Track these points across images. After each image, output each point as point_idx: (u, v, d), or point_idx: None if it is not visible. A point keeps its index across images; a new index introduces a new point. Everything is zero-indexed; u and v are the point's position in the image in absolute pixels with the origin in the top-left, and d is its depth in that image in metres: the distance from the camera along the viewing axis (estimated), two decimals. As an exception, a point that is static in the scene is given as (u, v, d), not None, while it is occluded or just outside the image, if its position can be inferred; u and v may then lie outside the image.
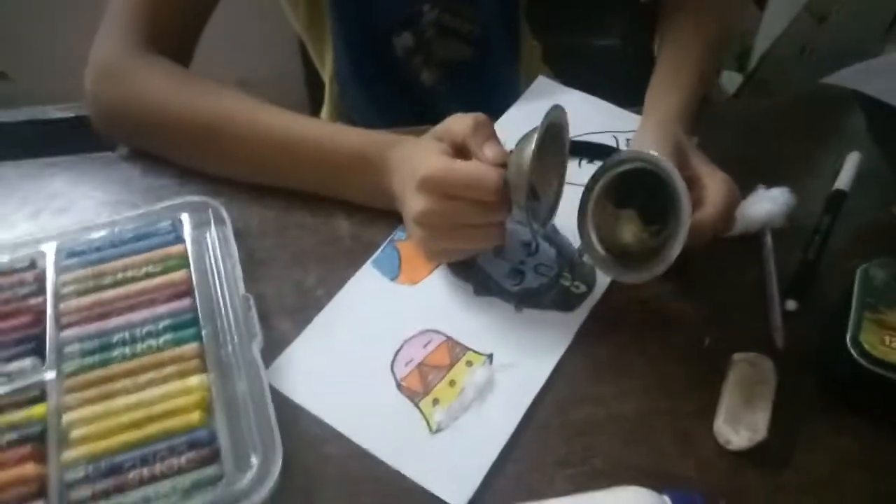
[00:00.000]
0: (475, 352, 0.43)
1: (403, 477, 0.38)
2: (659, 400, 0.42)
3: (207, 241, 0.46)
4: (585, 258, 0.47)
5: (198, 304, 0.43)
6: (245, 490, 0.35)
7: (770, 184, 0.51)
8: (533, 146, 0.39)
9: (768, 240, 0.49)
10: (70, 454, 0.37)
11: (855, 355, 0.38)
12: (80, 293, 0.43)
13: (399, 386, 0.42)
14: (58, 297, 0.43)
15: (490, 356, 0.43)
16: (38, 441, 0.37)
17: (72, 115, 1.12)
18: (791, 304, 0.45)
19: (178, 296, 0.43)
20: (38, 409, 0.38)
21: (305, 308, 0.45)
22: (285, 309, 0.45)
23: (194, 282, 0.44)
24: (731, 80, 1.14)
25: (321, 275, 0.47)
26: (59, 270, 0.44)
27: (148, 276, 0.44)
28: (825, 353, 0.42)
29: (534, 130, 0.40)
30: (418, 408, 0.41)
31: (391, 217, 0.49)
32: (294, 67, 1.18)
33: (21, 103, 1.30)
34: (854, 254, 0.46)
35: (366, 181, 0.48)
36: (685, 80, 0.53)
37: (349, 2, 0.62)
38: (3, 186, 0.52)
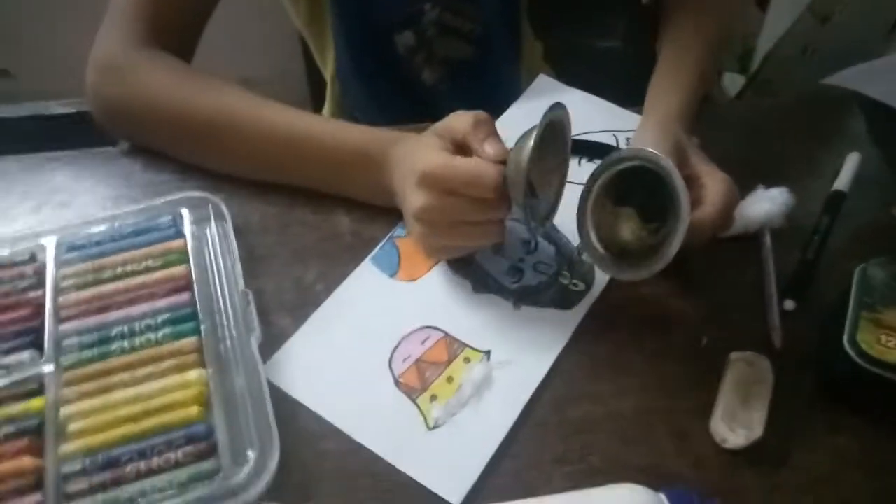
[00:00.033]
0: (473, 349, 0.43)
1: (400, 473, 0.38)
2: (656, 398, 0.42)
3: (207, 236, 0.47)
4: (584, 256, 0.47)
5: (197, 299, 0.43)
6: (241, 484, 0.35)
7: (769, 184, 0.51)
8: (532, 143, 0.39)
9: (767, 240, 0.49)
10: (67, 447, 0.37)
11: (852, 354, 0.38)
12: (79, 287, 0.43)
13: (397, 382, 0.42)
14: (57, 291, 0.43)
15: (488, 353, 0.43)
16: (35, 434, 0.37)
17: (73, 110, 1.12)
18: (789, 304, 0.45)
19: (178, 290, 0.43)
20: (35, 403, 0.38)
21: (304, 304, 0.45)
22: (284, 305, 0.45)
23: (194, 277, 0.44)
24: (733, 82, 1.14)
25: (321, 271, 0.47)
26: (59, 264, 0.44)
27: (147, 270, 0.44)
28: (822, 353, 0.42)
29: (534, 128, 0.40)
30: (416, 404, 0.41)
31: (391, 214, 0.49)
32: (296, 66, 1.19)
33: (23, 100, 1.30)
34: (853, 254, 0.46)
35: (367, 178, 0.48)
36: (685, 79, 0.53)
37: (350, 0, 0.62)
38: (4, 180, 0.52)
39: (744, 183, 0.50)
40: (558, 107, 0.42)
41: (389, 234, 0.50)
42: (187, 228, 0.46)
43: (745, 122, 0.61)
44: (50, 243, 0.45)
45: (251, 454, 0.37)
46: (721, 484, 0.38)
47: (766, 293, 0.46)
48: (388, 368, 0.42)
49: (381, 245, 0.49)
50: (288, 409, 0.40)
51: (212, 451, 0.37)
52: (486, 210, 0.41)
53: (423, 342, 0.44)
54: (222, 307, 0.43)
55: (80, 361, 0.40)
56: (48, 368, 0.40)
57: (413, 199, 0.42)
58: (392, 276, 0.47)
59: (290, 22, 0.71)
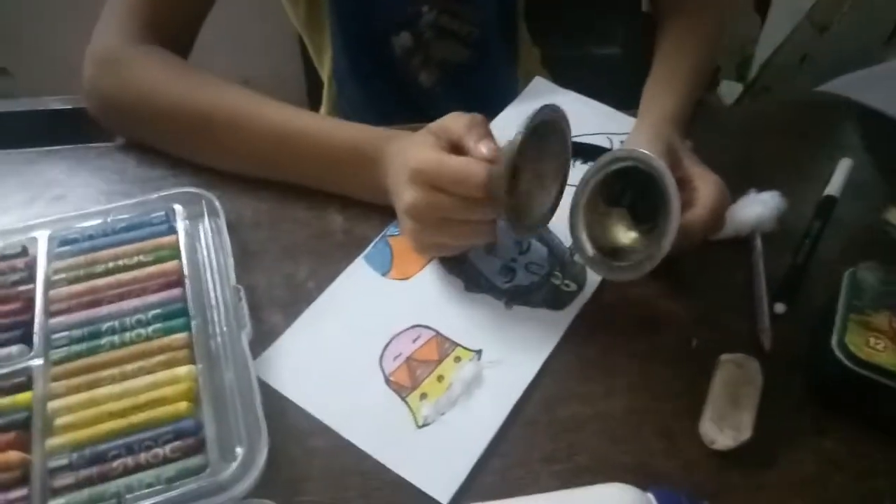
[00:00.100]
0: (464, 347, 0.43)
1: (389, 471, 0.38)
2: (646, 399, 0.42)
3: (200, 232, 0.47)
4: (576, 257, 0.47)
5: (188, 295, 0.43)
6: (229, 480, 0.35)
7: (762, 188, 0.51)
8: (515, 139, 0.39)
9: (758, 243, 0.49)
10: (54, 441, 0.36)
11: (840, 356, 0.38)
12: (70, 281, 0.43)
13: (387, 380, 0.42)
14: (48, 285, 0.43)
15: (479, 352, 0.43)
16: (22, 428, 0.37)
17: (69, 106, 1.12)
18: (779, 307, 0.46)
19: (169, 285, 0.43)
20: (23, 396, 0.38)
21: (296, 301, 0.45)
22: (276, 301, 0.45)
23: (185, 272, 0.44)
24: (731, 89, 1.15)
25: (313, 268, 0.47)
26: (51, 258, 0.44)
27: (139, 265, 0.44)
28: (811, 355, 0.43)
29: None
30: (406, 402, 0.41)
31: (385, 212, 0.49)
32: (294, 67, 1.19)
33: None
34: (843, 259, 0.46)
35: (362, 175, 0.48)
36: (679, 83, 0.54)
37: (349, 1, 0.62)
38: (-2, 174, 0.52)
39: (736, 186, 0.50)
40: (551, 108, 0.41)
41: (382, 233, 0.50)
42: (180, 224, 0.46)
43: (740, 126, 0.62)
44: (42, 237, 0.45)
45: (239, 450, 0.36)
46: (709, 484, 0.38)
47: (756, 296, 0.46)
48: (379, 366, 0.42)
49: (373, 243, 0.49)
50: (277, 406, 0.40)
51: (200, 447, 0.37)
52: (475, 209, 0.41)
53: (414, 340, 0.44)
54: (213, 303, 0.43)
55: (70, 356, 0.40)
56: (37, 362, 0.39)
57: (404, 195, 0.42)
58: (384, 274, 0.47)
59: (288, 23, 0.72)
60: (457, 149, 0.43)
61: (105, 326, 0.41)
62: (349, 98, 0.70)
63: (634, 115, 0.54)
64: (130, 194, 0.50)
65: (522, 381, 0.42)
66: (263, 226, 0.50)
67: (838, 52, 0.86)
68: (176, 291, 0.43)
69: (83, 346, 0.40)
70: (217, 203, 0.47)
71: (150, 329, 0.41)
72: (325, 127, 0.50)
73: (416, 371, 0.42)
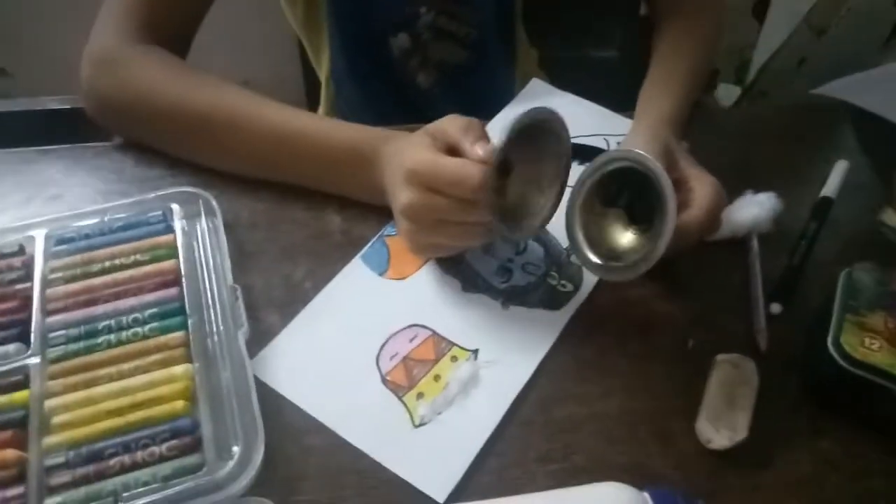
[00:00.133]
0: (461, 347, 0.43)
1: (385, 470, 0.38)
2: (642, 399, 0.42)
3: (197, 231, 0.47)
4: (573, 258, 0.47)
5: (185, 294, 0.43)
6: (226, 479, 0.35)
7: (759, 189, 0.52)
8: (498, 143, 0.38)
9: (754, 244, 0.50)
10: (51, 440, 0.37)
11: (835, 356, 0.38)
12: (67, 280, 0.43)
13: (384, 379, 0.42)
14: (45, 283, 0.43)
15: (475, 352, 0.43)
16: (19, 426, 0.37)
17: (68, 106, 1.12)
18: (775, 308, 0.46)
19: (166, 285, 0.43)
20: (20, 395, 0.38)
21: (293, 301, 0.45)
22: (273, 301, 0.46)
23: (182, 271, 0.44)
24: (729, 93, 1.15)
25: (310, 268, 0.47)
26: (48, 257, 0.44)
27: (136, 264, 0.44)
28: (807, 355, 0.43)
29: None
30: (402, 401, 0.41)
31: (382, 213, 0.49)
32: (293, 69, 1.19)
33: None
34: (839, 260, 0.46)
35: (359, 175, 0.48)
36: (676, 84, 0.54)
37: (347, 1, 0.62)
38: (-5, 173, 0.52)
39: (733, 188, 0.51)
40: (539, 111, 0.41)
41: (380, 233, 0.50)
42: (177, 223, 0.47)
43: (737, 128, 0.62)
44: (39, 236, 0.45)
45: (236, 449, 0.36)
46: (704, 484, 0.38)
47: (752, 296, 0.47)
48: (376, 366, 0.42)
49: (371, 243, 0.49)
50: (274, 405, 0.40)
51: (196, 446, 0.37)
52: (470, 211, 0.41)
53: (410, 340, 0.44)
54: (210, 302, 0.43)
55: (67, 354, 0.40)
56: (34, 361, 0.39)
57: (400, 196, 0.42)
58: (381, 274, 0.47)
59: (287, 24, 0.72)
60: (453, 151, 0.43)
61: (102, 325, 0.41)
62: (347, 98, 0.71)
63: (631, 116, 0.54)
64: (128, 194, 0.50)
65: (519, 381, 0.42)
66: (261, 226, 0.50)
67: (836, 56, 0.86)
68: (173, 290, 0.43)
69: (80, 344, 0.40)
70: (214, 202, 0.47)
71: (147, 328, 0.41)
72: (324, 127, 0.50)
73: (412, 370, 0.42)
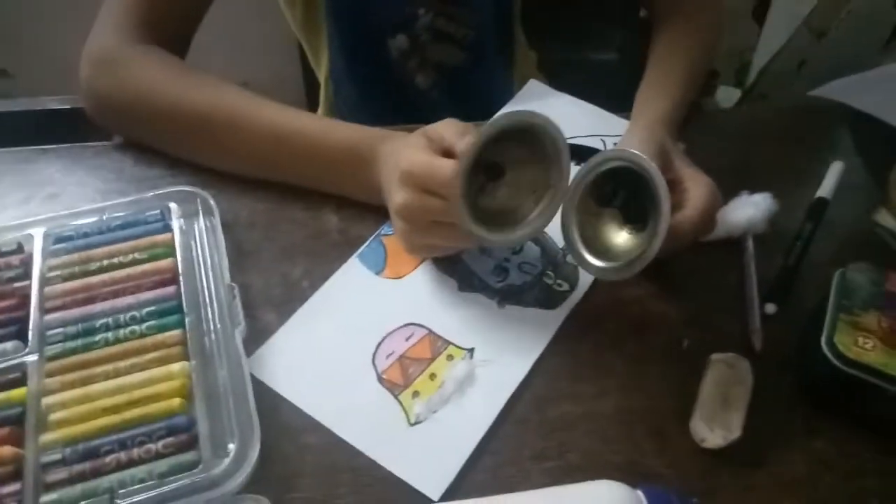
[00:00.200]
0: (456, 346, 0.44)
1: (381, 468, 0.38)
2: (637, 398, 0.42)
3: (195, 230, 0.47)
4: (569, 258, 0.47)
5: (182, 292, 0.43)
6: (221, 476, 0.35)
7: (754, 190, 0.52)
8: (483, 131, 0.38)
9: (749, 244, 0.50)
10: (48, 437, 0.37)
11: (829, 356, 0.38)
12: (65, 278, 0.43)
13: (380, 378, 0.42)
14: (43, 282, 0.43)
15: (471, 351, 0.43)
16: (16, 423, 0.37)
17: (68, 106, 1.13)
18: (770, 308, 0.46)
19: (164, 283, 0.44)
20: (17, 392, 0.38)
21: (290, 300, 0.46)
22: (271, 300, 0.46)
23: (180, 270, 0.44)
24: (728, 95, 1.15)
25: (307, 268, 0.48)
26: (46, 255, 0.44)
27: (134, 262, 0.44)
28: (802, 355, 0.43)
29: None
30: (398, 400, 0.41)
31: (379, 213, 0.49)
32: (293, 70, 1.20)
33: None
34: (834, 260, 0.46)
35: (357, 175, 0.49)
36: (673, 85, 0.54)
37: (345, 2, 0.63)
38: (-5, 172, 0.53)
39: (733, 189, 0.51)
40: (534, 115, 0.40)
41: (377, 232, 0.50)
42: (175, 222, 0.47)
43: (737, 130, 0.62)
44: (38, 234, 0.45)
45: (232, 447, 0.37)
46: (698, 483, 0.38)
47: (747, 297, 0.47)
48: (372, 364, 0.43)
49: (368, 242, 0.49)
50: (270, 403, 0.40)
51: (193, 443, 0.37)
52: None
53: (407, 339, 0.44)
54: (208, 300, 0.43)
55: (64, 352, 0.40)
56: (31, 358, 0.40)
57: (395, 196, 0.42)
58: (378, 273, 0.48)
59: (287, 25, 0.72)
60: (448, 153, 0.44)
61: (99, 323, 0.41)
62: (346, 99, 0.71)
63: (628, 117, 0.55)
64: (127, 193, 0.50)
65: (514, 380, 0.42)
66: (259, 225, 0.50)
67: (836, 59, 0.86)
68: (170, 289, 0.43)
69: (78, 342, 0.40)
70: (212, 202, 0.48)
71: (145, 326, 0.41)
72: (322, 127, 0.50)
73: (408, 369, 0.42)
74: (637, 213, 0.44)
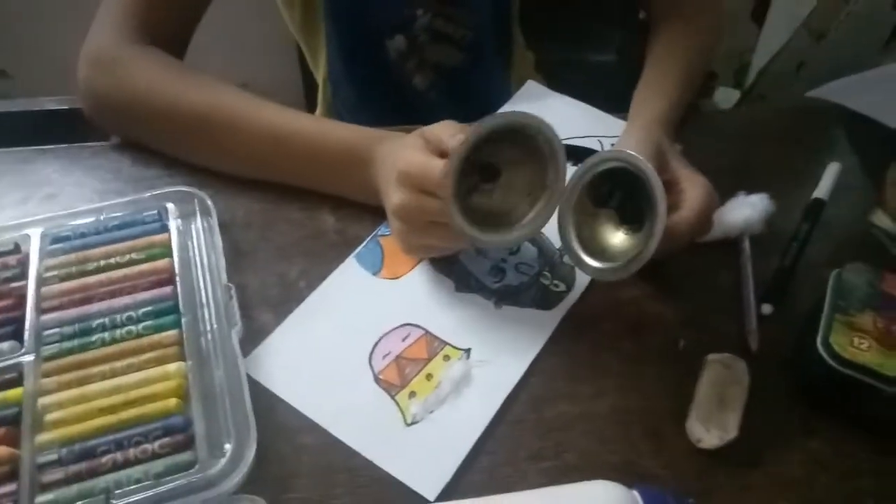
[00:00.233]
0: (453, 346, 0.44)
1: (377, 468, 0.38)
2: (633, 399, 0.42)
3: (192, 230, 0.47)
4: (565, 258, 0.47)
5: (179, 292, 0.43)
6: (218, 476, 0.35)
7: (751, 190, 0.52)
8: (476, 130, 0.38)
9: (746, 245, 0.50)
10: (44, 437, 0.37)
11: (825, 356, 0.39)
12: (62, 278, 0.43)
13: (376, 378, 0.42)
14: (40, 282, 0.43)
15: (468, 351, 0.43)
16: (12, 424, 0.37)
17: (66, 106, 1.13)
18: (766, 309, 0.46)
19: (161, 283, 0.44)
20: (13, 392, 0.38)
21: (287, 300, 0.46)
22: (267, 301, 0.46)
23: (177, 270, 0.44)
24: (727, 96, 1.15)
25: (304, 268, 0.48)
26: (43, 255, 0.44)
27: (131, 263, 0.44)
28: (797, 355, 0.43)
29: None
30: (394, 400, 0.41)
31: (377, 213, 0.49)
32: (292, 71, 1.20)
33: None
34: (831, 261, 0.47)
35: (354, 175, 0.49)
36: (671, 86, 0.54)
37: (343, 3, 0.63)
38: (-8, 172, 0.53)
39: (731, 190, 0.51)
40: (529, 116, 0.40)
41: (374, 233, 0.50)
42: (172, 223, 0.47)
43: (736, 131, 0.62)
44: (35, 234, 0.45)
45: (228, 447, 0.37)
46: (695, 483, 0.38)
47: (743, 297, 0.47)
48: (368, 365, 0.43)
49: (365, 243, 0.49)
50: (267, 403, 0.40)
51: (189, 443, 0.37)
52: None
53: (403, 339, 0.44)
54: (204, 301, 0.43)
55: (61, 352, 0.40)
56: (28, 359, 0.40)
57: (392, 197, 0.42)
58: (375, 273, 0.48)
59: (286, 26, 0.72)
60: (445, 155, 0.44)
61: (96, 323, 0.41)
62: (344, 100, 0.71)
63: (625, 118, 0.55)
64: (124, 193, 0.50)
65: (510, 380, 0.42)
66: (256, 226, 0.50)
67: (835, 60, 0.86)
68: (167, 289, 0.43)
69: (74, 342, 0.40)
70: (209, 202, 0.48)
71: (141, 326, 0.41)
72: (320, 128, 0.50)
73: (405, 369, 0.42)
74: (634, 213, 0.44)
